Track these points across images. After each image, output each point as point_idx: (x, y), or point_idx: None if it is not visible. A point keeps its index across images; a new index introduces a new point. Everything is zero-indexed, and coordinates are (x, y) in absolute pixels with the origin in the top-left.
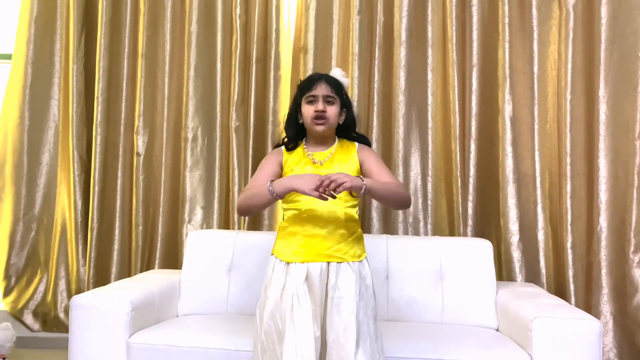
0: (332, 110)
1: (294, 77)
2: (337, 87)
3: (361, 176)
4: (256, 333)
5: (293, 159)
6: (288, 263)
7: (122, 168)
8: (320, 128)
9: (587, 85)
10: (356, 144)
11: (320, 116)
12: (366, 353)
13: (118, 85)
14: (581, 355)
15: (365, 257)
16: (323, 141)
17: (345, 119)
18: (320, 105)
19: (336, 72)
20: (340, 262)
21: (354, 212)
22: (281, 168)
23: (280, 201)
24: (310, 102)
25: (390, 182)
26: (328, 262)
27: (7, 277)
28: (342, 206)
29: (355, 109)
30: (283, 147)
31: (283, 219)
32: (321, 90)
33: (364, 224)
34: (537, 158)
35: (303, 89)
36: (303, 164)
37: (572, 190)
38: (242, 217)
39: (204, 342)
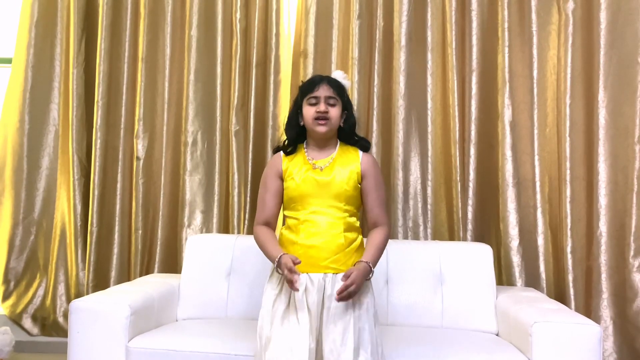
0: (334, 112)
1: (294, 81)
2: (338, 88)
3: (366, 262)
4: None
5: (294, 165)
6: None
7: (122, 172)
8: (322, 129)
9: (586, 89)
10: (360, 151)
11: (322, 117)
12: None
13: (118, 89)
14: None
15: None
16: (324, 144)
17: (346, 120)
18: (322, 106)
19: (338, 75)
20: (337, 273)
21: (354, 221)
22: (281, 179)
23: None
24: (312, 104)
25: (380, 240)
26: (325, 273)
27: (6, 281)
28: (342, 216)
29: (355, 113)
30: (282, 153)
31: (284, 224)
32: (323, 91)
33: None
34: (536, 162)
35: (304, 90)
36: (304, 171)
37: (571, 195)
38: (242, 221)
39: (204, 347)
